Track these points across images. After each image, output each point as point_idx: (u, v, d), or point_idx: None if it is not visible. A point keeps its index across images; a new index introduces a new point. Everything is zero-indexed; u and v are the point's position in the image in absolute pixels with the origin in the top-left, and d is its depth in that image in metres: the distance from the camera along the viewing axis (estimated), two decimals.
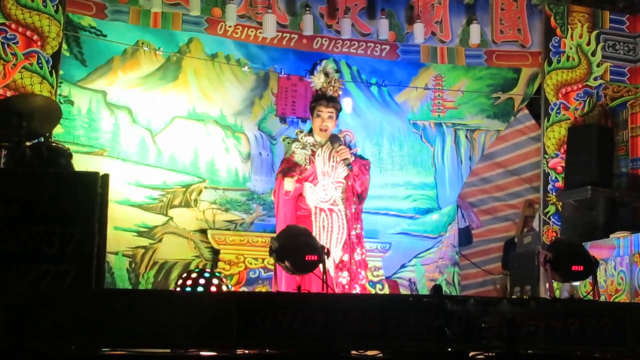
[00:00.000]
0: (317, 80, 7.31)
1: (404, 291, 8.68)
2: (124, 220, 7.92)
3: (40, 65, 7.44)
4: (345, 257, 6.90)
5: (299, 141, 7.19)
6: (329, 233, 6.97)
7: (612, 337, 4.79)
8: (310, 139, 7.18)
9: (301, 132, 7.36)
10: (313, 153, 7.11)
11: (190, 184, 8.36)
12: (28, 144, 5.45)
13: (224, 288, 6.56)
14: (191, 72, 8.44)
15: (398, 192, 9.04)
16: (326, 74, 7.30)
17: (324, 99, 7.17)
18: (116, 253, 7.88)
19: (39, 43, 7.48)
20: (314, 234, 6.52)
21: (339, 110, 7.26)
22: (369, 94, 9.08)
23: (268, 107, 8.75)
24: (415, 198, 9.18)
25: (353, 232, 6.97)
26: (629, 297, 7.21)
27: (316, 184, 7.04)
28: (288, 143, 7.63)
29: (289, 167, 7.08)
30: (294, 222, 6.80)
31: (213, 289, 6.36)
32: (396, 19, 8.88)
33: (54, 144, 5.83)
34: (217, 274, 6.43)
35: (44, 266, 4.44)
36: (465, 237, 9.77)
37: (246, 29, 8.50)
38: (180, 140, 8.37)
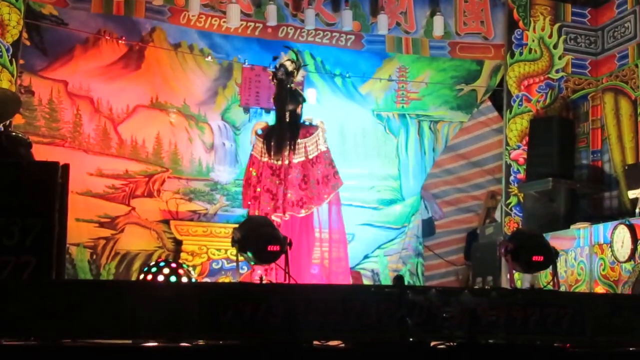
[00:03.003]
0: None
1: (366, 282, 8.72)
2: (85, 210, 7.88)
3: (0, 53, 7.34)
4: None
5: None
6: None
7: (572, 326, 4.83)
8: None
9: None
10: None
11: (153, 174, 8.33)
12: None
13: (185, 279, 6.53)
14: (154, 61, 8.40)
15: (362, 183, 9.06)
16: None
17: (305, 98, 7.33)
18: (77, 244, 7.83)
19: None
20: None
21: None
22: (333, 85, 9.09)
23: (232, 97, 8.73)
24: (379, 189, 9.22)
25: None
26: (588, 287, 7.31)
27: None
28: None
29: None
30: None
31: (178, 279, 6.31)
32: (361, 9, 8.89)
33: (13, 134, 5.75)
34: (184, 266, 6.41)
35: (4, 257, 4.38)
36: (428, 228, 9.83)
37: (210, 18, 8.46)
38: (142, 129, 8.34)
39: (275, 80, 7.32)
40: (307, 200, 7.03)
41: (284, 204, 6.97)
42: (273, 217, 6.83)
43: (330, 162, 7.26)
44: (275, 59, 7.35)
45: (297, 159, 7.12)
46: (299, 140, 7.10)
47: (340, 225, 7.26)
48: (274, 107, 8.40)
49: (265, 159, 7.09)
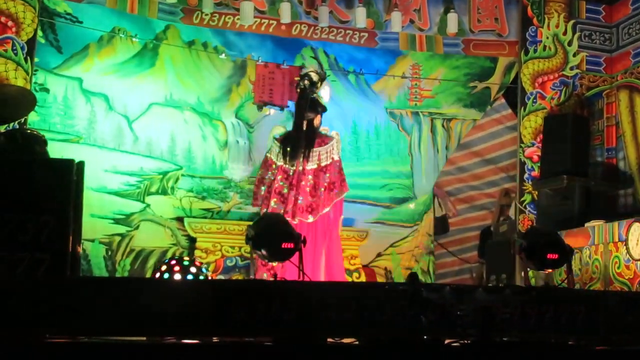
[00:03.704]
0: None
1: (380, 279, 8.71)
2: (100, 207, 7.90)
3: (15, 52, 7.37)
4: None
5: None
6: None
7: (586, 324, 4.81)
8: None
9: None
10: None
11: (167, 172, 8.34)
12: (2, 130, 5.40)
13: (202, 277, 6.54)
14: (168, 59, 8.41)
15: (374, 181, 9.06)
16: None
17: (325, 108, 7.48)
18: (92, 240, 7.85)
19: (13, 29, 7.41)
20: None
21: None
22: (347, 82, 9.08)
23: (245, 95, 8.73)
24: (391, 187, 9.21)
25: None
26: (603, 285, 7.27)
27: None
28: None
29: None
30: None
31: (191, 277, 6.33)
32: (374, 6, 8.87)
33: (28, 131, 5.78)
34: (201, 266, 6.42)
35: (19, 254, 4.40)
36: (441, 225, 9.81)
37: (223, 16, 8.46)
38: (157, 127, 8.36)
39: (298, 89, 7.49)
40: (315, 207, 7.10)
41: (294, 208, 7.06)
42: None
43: (340, 170, 7.31)
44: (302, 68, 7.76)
45: (310, 166, 7.18)
46: (313, 149, 7.15)
47: (334, 233, 7.31)
48: (287, 106, 8.47)
49: (280, 163, 7.14)
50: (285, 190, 7.15)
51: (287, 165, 7.13)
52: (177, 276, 6.21)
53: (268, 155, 7.39)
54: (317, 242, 7.15)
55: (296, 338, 4.38)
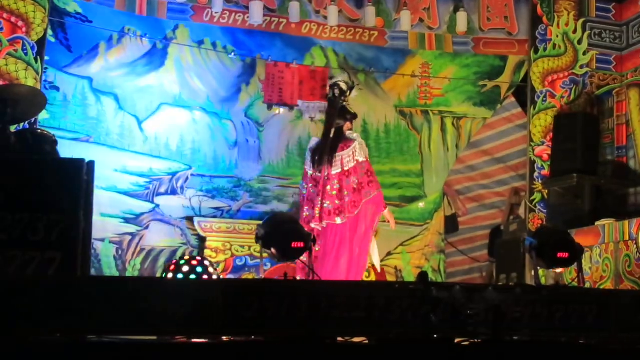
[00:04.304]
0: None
1: (390, 278, 8.70)
2: (110, 206, 7.92)
3: (25, 51, 7.39)
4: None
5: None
6: None
7: (597, 323, 4.80)
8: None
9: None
10: None
11: (176, 171, 8.35)
12: (13, 130, 5.41)
13: (214, 277, 6.55)
14: (177, 58, 8.42)
15: (384, 179, 9.00)
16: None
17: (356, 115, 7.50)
18: (103, 240, 7.87)
19: (24, 29, 7.42)
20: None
21: None
22: (356, 81, 9.05)
23: (255, 94, 8.74)
24: (401, 186, 9.20)
25: None
26: (613, 283, 7.25)
27: None
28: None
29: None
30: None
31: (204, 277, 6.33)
32: (384, 5, 8.87)
33: (39, 131, 5.80)
34: (207, 262, 6.42)
35: (29, 253, 4.41)
36: (451, 224, 9.79)
37: (233, 14, 8.47)
38: (166, 127, 8.36)
39: (328, 99, 7.55)
40: (342, 209, 7.11)
41: (321, 212, 7.07)
42: (312, 226, 6.89)
43: (367, 171, 7.25)
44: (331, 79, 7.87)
45: (335, 170, 7.20)
46: (336, 154, 7.20)
47: (365, 238, 7.30)
48: (297, 105, 8.50)
49: (311, 172, 7.18)
50: (314, 197, 7.22)
51: (315, 173, 7.19)
52: (193, 276, 6.20)
53: (305, 167, 7.45)
54: (344, 244, 7.15)
55: (306, 337, 4.38)
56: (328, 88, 7.72)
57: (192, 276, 5.91)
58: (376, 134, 9.14)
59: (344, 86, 7.54)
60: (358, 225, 7.14)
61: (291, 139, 8.85)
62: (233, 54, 8.59)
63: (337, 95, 7.47)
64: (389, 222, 7.26)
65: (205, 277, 5.94)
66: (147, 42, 8.25)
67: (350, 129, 7.37)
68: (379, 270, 7.58)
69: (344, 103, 7.50)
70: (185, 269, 6.15)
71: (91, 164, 4.82)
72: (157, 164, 8.28)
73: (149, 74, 8.30)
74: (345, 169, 7.17)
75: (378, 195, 7.19)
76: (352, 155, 7.23)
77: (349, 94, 7.54)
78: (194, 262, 6.10)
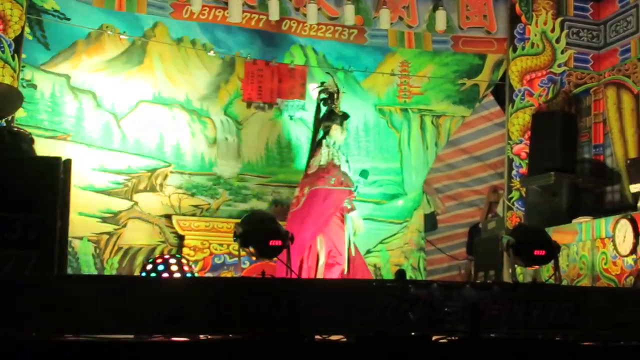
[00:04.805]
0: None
1: (369, 277, 8.69)
2: (88, 205, 7.87)
3: (2, 49, 7.34)
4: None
5: (335, 147, 7.84)
6: (350, 229, 7.67)
7: (574, 320, 4.83)
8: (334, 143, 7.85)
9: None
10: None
11: (155, 169, 8.32)
12: None
13: (188, 275, 6.54)
14: (156, 56, 8.38)
15: (356, 181, 9.06)
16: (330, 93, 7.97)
17: (347, 115, 8.00)
18: (81, 238, 7.83)
19: (0, 27, 7.37)
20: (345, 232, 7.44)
21: None
22: (336, 80, 9.05)
23: (234, 92, 8.72)
24: (381, 183, 9.21)
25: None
26: (590, 281, 7.30)
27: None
28: (332, 150, 7.85)
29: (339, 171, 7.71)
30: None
31: (188, 274, 6.33)
32: (364, 3, 8.87)
33: (15, 129, 5.76)
34: (183, 259, 6.42)
35: (6, 252, 4.39)
36: (430, 222, 9.81)
37: (213, 9, 8.44)
38: (145, 124, 8.32)
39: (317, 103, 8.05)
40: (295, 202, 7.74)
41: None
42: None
43: (321, 172, 7.70)
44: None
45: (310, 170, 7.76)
46: (312, 159, 7.77)
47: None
48: (276, 103, 8.54)
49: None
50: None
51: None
52: (165, 274, 6.21)
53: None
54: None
55: (285, 336, 4.38)
56: (316, 92, 8.10)
57: (165, 275, 5.92)
58: (356, 133, 9.14)
59: (331, 89, 7.94)
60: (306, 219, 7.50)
61: (270, 137, 8.83)
62: (212, 51, 8.56)
63: (324, 99, 7.94)
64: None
65: (167, 275, 5.95)
66: (126, 39, 8.21)
67: (342, 128, 7.82)
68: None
69: (332, 106, 7.82)
70: (149, 267, 6.16)
71: (68, 162, 4.80)
72: (135, 161, 8.24)
73: (127, 71, 8.26)
74: (309, 172, 7.71)
75: (325, 191, 7.45)
76: (316, 161, 7.70)
77: (337, 97, 7.74)
78: (159, 261, 6.11)
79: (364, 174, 7.94)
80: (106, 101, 8.17)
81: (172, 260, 6.06)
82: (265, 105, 8.77)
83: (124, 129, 8.21)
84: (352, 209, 7.69)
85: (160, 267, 6.07)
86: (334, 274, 7.43)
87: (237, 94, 8.71)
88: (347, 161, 7.90)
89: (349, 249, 7.65)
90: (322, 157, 7.71)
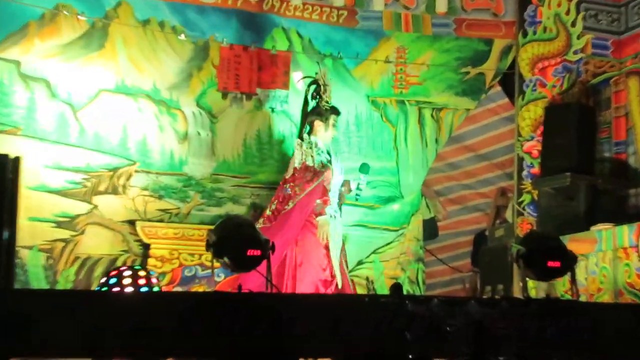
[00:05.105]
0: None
1: (360, 291, 8.69)
2: (40, 209, 7.83)
3: None
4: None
5: (314, 147, 7.80)
6: (335, 241, 7.65)
7: (592, 341, 4.84)
8: (319, 143, 7.85)
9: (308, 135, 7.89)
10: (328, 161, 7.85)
11: (118, 167, 8.28)
12: None
13: (156, 288, 6.51)
14: (119, 40, 8.35)
15: (355, 178, 9.04)
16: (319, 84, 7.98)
17: (337, 110, 7.98)
18: (31, 247, 7.78)
19: None
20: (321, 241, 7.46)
21: None
22: (323, 68, 9.04)
23: (208, 81, 8.69)
24: (374, 185, 9.20)
25: None
26: (612, 296, 7.30)
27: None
28: (306, 149, 7.83)
29: (314, 174, 7.67)
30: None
31: (143, 289, 6.28)
32: None
33: None
34: (151, 272, 6.40)
35: None
36: (430, 229, 9.83)
37: None
38: (106, 117, 8.28)
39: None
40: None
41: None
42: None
43: (298, 175, 7.70)
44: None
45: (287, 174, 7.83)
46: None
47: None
48: (255, 94, 8.53)
49: None
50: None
51: None
52: (129, 289, 6.16)
53: None
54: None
55: (265, 356, 4.36)
56: (302, 82, 8.20)
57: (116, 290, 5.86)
58: (346, 127, 9.14)
59: (321, 82, 7.97)
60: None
61: (249, 132, 8.81)
62: (183, 35, 8.55)
63: (311, 94, 7.96)
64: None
65: (120, 289, 5.92)
66: (85, 20, 8.18)
67: (327, 125, 7.87)
68: None
69: (318, 100, 7.90)
70: (103, 280, 6.12)
71: (17, 160, 4.78)
72: (95, 158, 8.19)
73: (86, 56, 8.22)
74: (287, 177, 7.75)
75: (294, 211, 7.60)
76: (292, 163, 7.76)
77: (324, 91, 7.87)
78: (112, 273, 6.07)
79: (364, 168, 7.88)
80: (61, 90, 8.13)
81: (127, 273, 5.99)
82: (243, 95, 8.74)
83: (82, 121, 8.16)
84: (321, 213, 7.66)
85: (112, 281, 6.02)
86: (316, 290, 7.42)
87: (212, 83, 8.68)
88: (329, 162, 7.83)
89: (340, 263, 7.66)
90: (296, 158, 7.77)
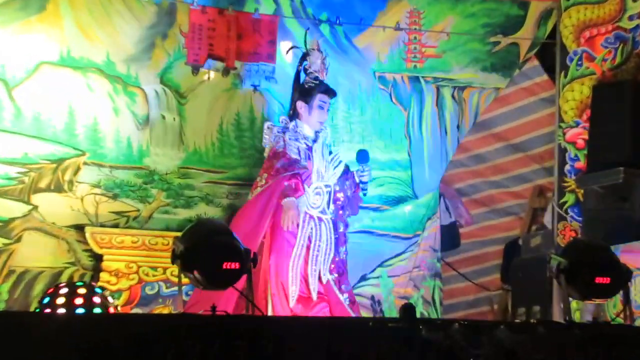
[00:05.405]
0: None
1: (364, 313, 8.73)
2: None
3: None
4: (331, 278, 7.55)
5: (290, 131, 7.76)
6: (317, 245, 7.53)
7: None
8: (303, 130, 7.79)
9: (288, 120, 7.86)
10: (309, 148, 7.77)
11: (63, 159, 8.31)
12: None
13: (111, 310, 6.54)
14: (64, 1, 8.36)
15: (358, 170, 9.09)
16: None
17: (329, 89, 7.89)
18: None
19: None
20: (298, 244, 7.39)
21: None
22: (318, 36, 9.06)
23: (175, 52, 8.72)
24: (381, 182, 9.25)
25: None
26: None
27: (309, 185, 7.64)
28: (277, 132, 7.85)
29: (288, 163, 7.56)
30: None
31: (79, 310, 6.30)
32: None
33: None
34: (99, 290, 6.42)
35: None
36: (450, 237, 9.87)
37: None
38: (48, 96, 8.31)
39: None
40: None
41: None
42: None
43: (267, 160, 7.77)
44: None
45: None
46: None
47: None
48: (234, 68, 8.56)
49: None
50: None
51: None
52: (80, 310, 6.19)
53: None
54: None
55: None
56: (292, 54, 8.29)
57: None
58: (346, 110, 9.18)
59: (315, 54, 7.96)
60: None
61: (226, 116, 8.85)
62: None
63: (305, 66, 7.93)
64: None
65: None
66: None
67: (311, 107, 7.80)
68: None
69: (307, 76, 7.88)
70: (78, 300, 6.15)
71: None
72: (34, 147, 8.22)
73: (23, 21, 8.24)
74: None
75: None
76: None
77: (320, 63, 7.93)
78: (49, 291, 6.10)
79: (361, 156, 7.85)
80: None
81: (63, 291, 6.00)
82: (218, 70, 8.76)
83: (18, 101, 8.18)
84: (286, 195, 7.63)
85: (45, 300, 6.05)
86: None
87: (179, 55, 8.71)
88: (310, 150, 7.81)
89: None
90: (265, 143, 7.90)
